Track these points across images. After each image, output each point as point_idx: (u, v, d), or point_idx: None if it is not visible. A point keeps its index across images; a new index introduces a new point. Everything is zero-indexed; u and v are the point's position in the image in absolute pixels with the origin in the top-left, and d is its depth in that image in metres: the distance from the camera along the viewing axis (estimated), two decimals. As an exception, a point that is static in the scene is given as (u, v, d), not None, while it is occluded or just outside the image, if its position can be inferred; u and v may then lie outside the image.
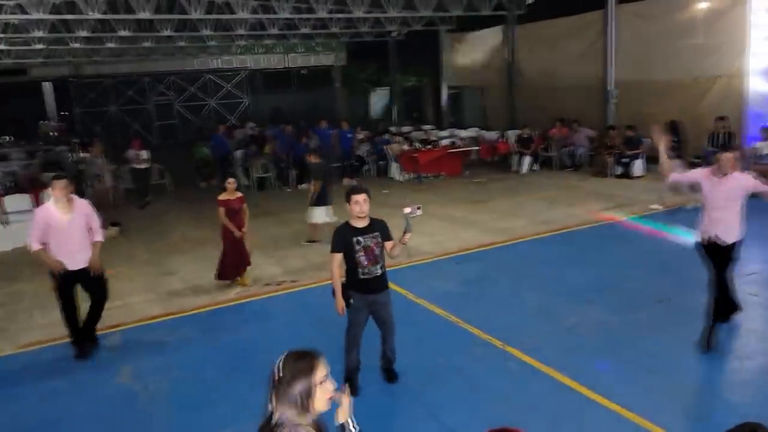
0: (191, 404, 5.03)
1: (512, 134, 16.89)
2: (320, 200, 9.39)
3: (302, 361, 2.15)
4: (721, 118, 12.11)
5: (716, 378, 5.11)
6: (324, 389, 2.15)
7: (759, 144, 11.87)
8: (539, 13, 17.82)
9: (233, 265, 7.78)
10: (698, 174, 5.62)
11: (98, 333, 6.17)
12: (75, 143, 18.78)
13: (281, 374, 2.11)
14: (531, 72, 18.46)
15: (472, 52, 21.51)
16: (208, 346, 6.18)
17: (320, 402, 2.15)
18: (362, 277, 4.71)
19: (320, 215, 9.41)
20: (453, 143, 16.93)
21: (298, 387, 2.09)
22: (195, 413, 4.88)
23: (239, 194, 7.76)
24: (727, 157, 5.37)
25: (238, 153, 16.14)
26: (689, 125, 12.52)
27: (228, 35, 20.77)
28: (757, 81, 12.68)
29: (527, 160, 15.48)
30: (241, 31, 18.80)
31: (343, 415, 2.32)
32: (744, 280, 6.74)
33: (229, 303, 7.37)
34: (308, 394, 2.11)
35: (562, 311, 6.43)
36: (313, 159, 9.89)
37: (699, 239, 5.55)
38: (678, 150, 13.46)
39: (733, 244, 5.36)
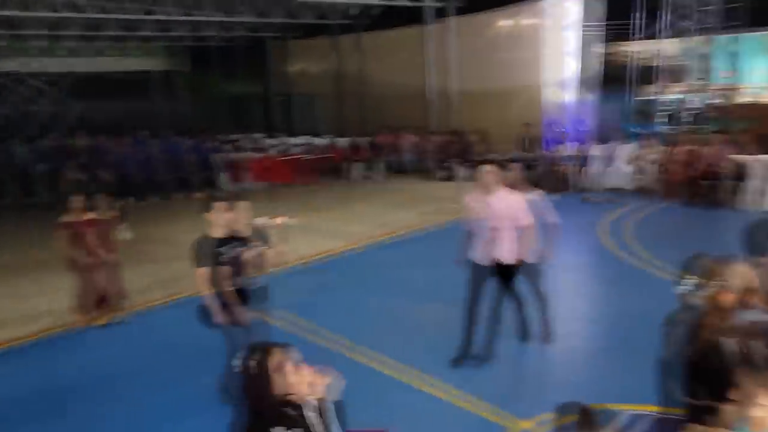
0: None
1: (344, 141, 17.22)
2: None
3: (258, 354, 2.32)
4: (527, 125, 13.61)
5: (546, 361, 5.59)
6: (293, 374, 2.31)
7: (558, 147, 13.49)
8: (379, 22, 18.36)
9: (93, 297, 6.72)
10: (471, 201, 5.20)
11: None
12: None
13: (245, 372, 2.28)
14: (363, 80, 19.00)
15: (305, 60, 21.63)
16: (27, 384, 5.38)
17: (295, 386, 2.31)
18: (234, 288, 4.48)
19: None
20: (285, 151, 16.80)
21: (264, 378, 2.26)
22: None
23: (93, 215, 6.68)
24: (486, 169, 5.05)
25: (41, 167, 14.38)
26: (501, 131, 13.83)
27: (20, 35, 18.40)
28: (553, 92, 14.36)
29: (359, 167, 15.89)
30: (32, 31, 16.75)
31: (315, 392, 2.39)
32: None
33: (43, 335, 6.50)
34: (274, 383, 2.26)
35: (405, 311, 6.67)
36: (70, 177, 9.08)
37: (478, 260, 5.19)
38: (462, 156, 14.83)
39: (514, 265, 5.16)
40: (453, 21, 16.13)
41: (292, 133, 20.35)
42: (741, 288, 2.71)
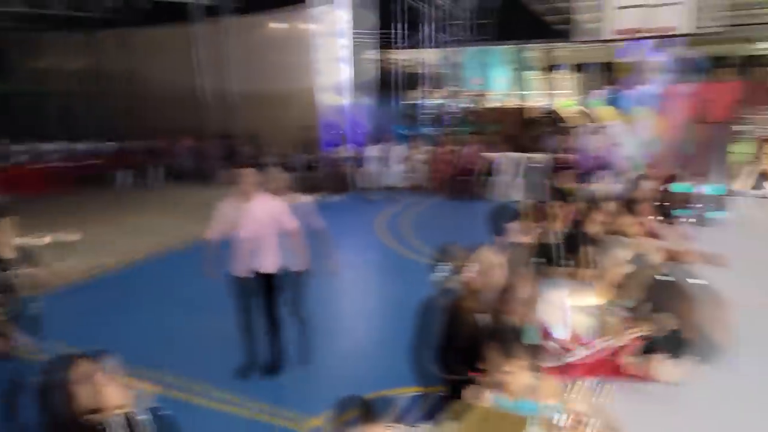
0: None
1: (111, 146, 15.73)
2: None
3: (60, 366, 2.19)
4: (305, 127, 13.85)
5: (332, 359, 5.64)
6: (104, 384, 2.17)
7: (337, 149, 13.95)
8: (148, 19, 16.87)
9: None
10: (226, 207, 4.83)
11: None
12: None
13: (44, 386, 2.18)
14: (133, 80, 17.49)
15: (60, 56, 19.21)
16: None
17: (104, 398, 2.17)
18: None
19: None
20: (36, 158, 14.80)
21: (65, 391, 2.13)
22: None
23: None
24: (243, 172, 4.73)
25: None
26: (281, 134, 13.85)
27: None
28: (327, 95, 14.80)
29: (129, 174, 14.66)
30: None
31: (125, 404, 2.26)
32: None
33: None
34: (78, 395, 2.13)
35: (185, 326, 6.27)
36: None
37: (238, 272, 4.86)
38: (235, 160, 14.75)
39: (277, 274, 4.90)
40: (228, 21, 15.70)
41: (46, 138, 17.95)
42: (487, 269, 3.03)
